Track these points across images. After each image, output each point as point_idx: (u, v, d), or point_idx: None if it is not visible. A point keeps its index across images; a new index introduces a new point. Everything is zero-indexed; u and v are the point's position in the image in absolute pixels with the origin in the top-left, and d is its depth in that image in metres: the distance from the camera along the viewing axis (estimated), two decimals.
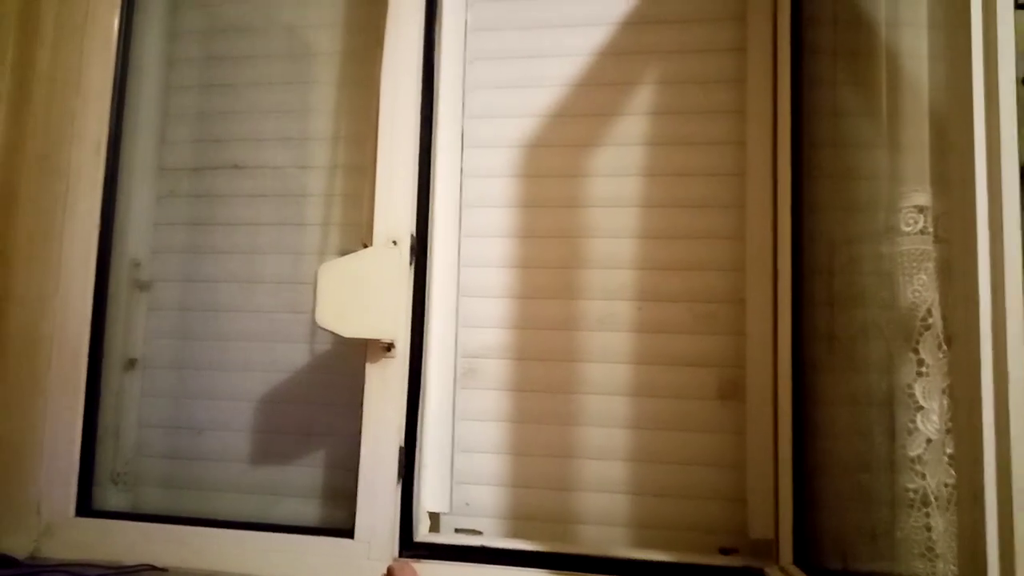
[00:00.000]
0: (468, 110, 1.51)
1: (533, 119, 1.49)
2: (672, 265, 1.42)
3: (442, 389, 1.43)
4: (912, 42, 1.00)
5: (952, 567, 0.84)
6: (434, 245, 1.45)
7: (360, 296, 1.33)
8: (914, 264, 0.92)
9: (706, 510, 1.36)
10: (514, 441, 1.43)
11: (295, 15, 1.61)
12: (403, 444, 1.36)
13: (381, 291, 1.35)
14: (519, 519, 1.41)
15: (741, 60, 1.42)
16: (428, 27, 1.47)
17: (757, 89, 1.39)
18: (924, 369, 0.89)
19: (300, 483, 1.48)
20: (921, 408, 0.89)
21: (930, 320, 0.89)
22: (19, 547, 1.41)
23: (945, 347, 0.86)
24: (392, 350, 1.37)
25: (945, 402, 0.85)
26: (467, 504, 1.43)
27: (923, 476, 0.89)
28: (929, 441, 0.89)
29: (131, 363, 1.57)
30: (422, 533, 1.38)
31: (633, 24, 1.48)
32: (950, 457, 0.83)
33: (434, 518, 1.43)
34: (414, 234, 1.41)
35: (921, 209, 0.92)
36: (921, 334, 0.89)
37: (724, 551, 1.34)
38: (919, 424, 0.90)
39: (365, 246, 1.40)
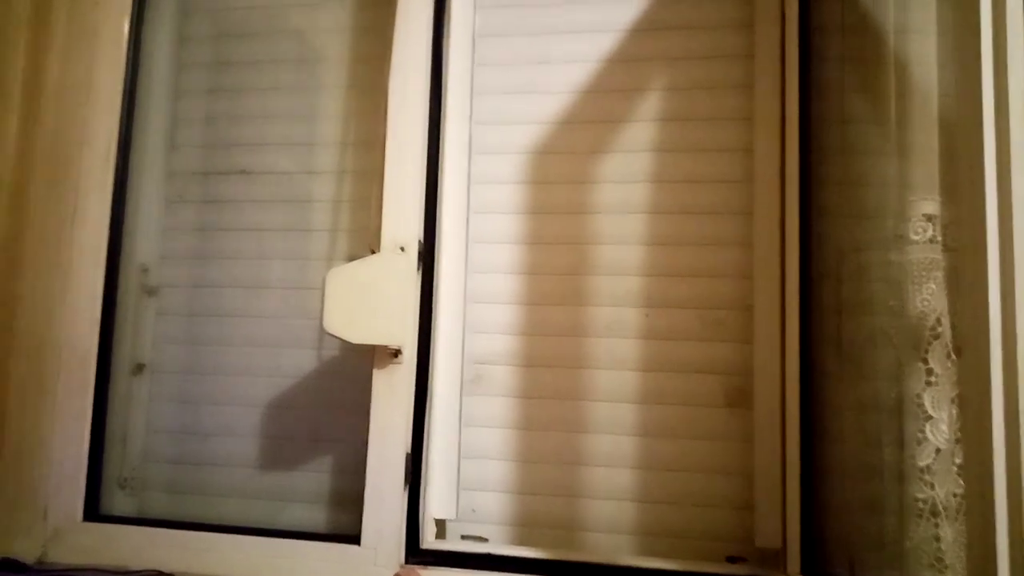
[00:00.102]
0: (476, 116, 1.51)
1: (541, 125, 1.49)
2: (680, 272, 1.41)
3: (449, 395, 1.43)
4: (921, 49, 0.99)
5: None
6: (442, 251, 1.45)
7: (368, 302, 1.34)
8: (923, 273, 0.91)
9: (713, 518, 1.35)
10: (521, 448, 1.42)
11: (304, 20, 1.62)
12: (410, 450, 1.36)
13: (389, 297, 1.35)
14: (525, 526, 1.41)
15: (749, 66, 1.42)
16: (436, 32, 1.47)
17: (765, 95, 1.38)
18: (933, 378, 0.89)
19: (306, 489, 1.48)
20: (930, 418, 0.89)
21: (939, 329, 0.88)
22: (26, 551, 1.42)
23: (954, 356, 0.86)
24: (399, 356, 1.37)
25: (954, 412, 0.85)
26: (473, 511, 1.42)
27: (932, 486, 0.88)
28: (938, 451, 0.88)
29: (139, 368, 1.57)
30: (428, 540, 1.37)
31: (641, 31, 1.48)
32: (959, 467, 0.83)
33: (440, 525, 1.42)
34: (422, 240, 1.41)
35: (930, 218, 0.92)
36: (930, 343, 0.89)
37: (731, 559, 1.33)
38: (928, 434, 0.89)
39: (373, 252, 1.40)
